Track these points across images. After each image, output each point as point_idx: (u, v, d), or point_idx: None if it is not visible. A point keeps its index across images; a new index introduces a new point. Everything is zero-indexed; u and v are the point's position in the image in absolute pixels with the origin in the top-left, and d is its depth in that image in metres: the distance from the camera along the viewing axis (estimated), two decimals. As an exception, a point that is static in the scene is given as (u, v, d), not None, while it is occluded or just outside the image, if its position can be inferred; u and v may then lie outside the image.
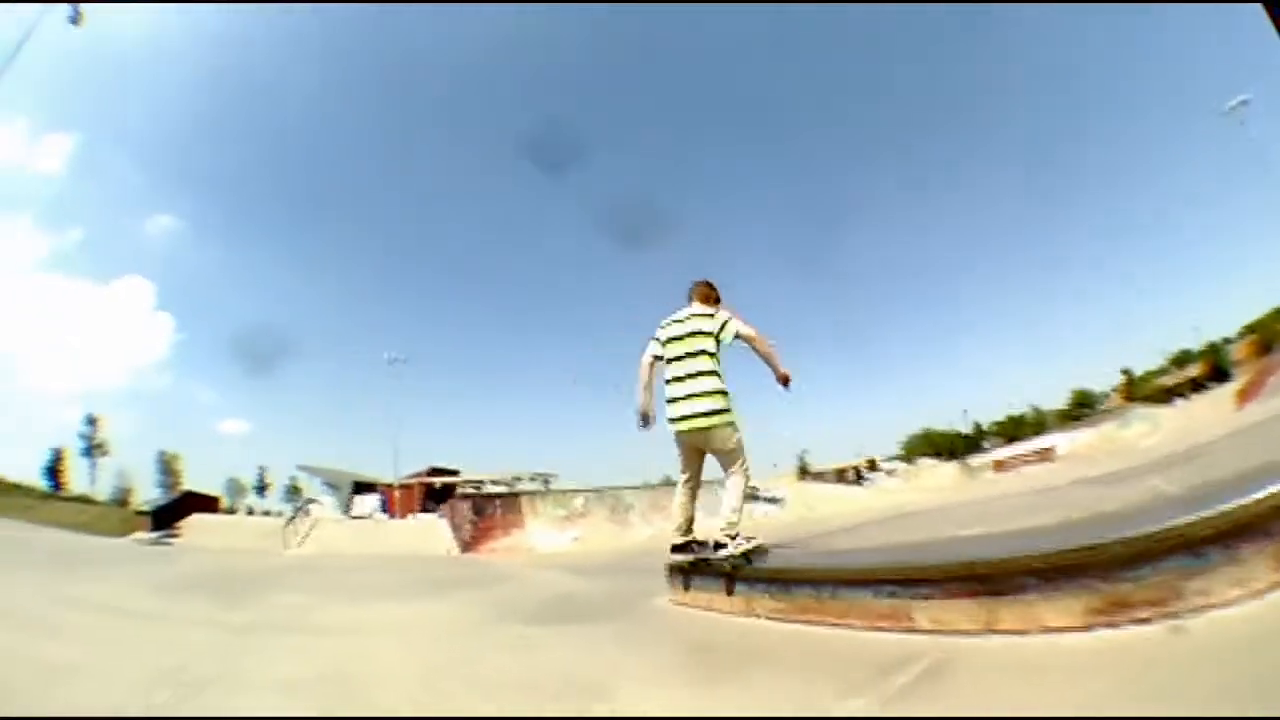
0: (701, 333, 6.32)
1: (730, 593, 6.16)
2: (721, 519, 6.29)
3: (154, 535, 28.15)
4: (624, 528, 23.86)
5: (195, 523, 31.14)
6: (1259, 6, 5.82)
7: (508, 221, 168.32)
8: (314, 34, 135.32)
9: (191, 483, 77.23)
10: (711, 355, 6.26)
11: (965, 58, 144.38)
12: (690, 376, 6.24)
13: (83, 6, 25.77)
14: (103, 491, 79.79)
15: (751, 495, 18.15)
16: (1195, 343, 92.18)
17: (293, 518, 28.45)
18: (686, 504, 6.71)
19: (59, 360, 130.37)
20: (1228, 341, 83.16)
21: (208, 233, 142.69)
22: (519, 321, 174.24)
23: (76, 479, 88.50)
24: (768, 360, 6.47)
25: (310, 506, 41.76)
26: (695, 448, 6.46)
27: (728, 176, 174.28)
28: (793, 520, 25.83)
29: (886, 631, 4.39)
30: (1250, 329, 76.77)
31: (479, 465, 61.56)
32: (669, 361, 6.41)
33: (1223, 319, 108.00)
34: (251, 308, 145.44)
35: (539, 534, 23.19)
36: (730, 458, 6.34)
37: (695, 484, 6.67)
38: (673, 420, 6.32)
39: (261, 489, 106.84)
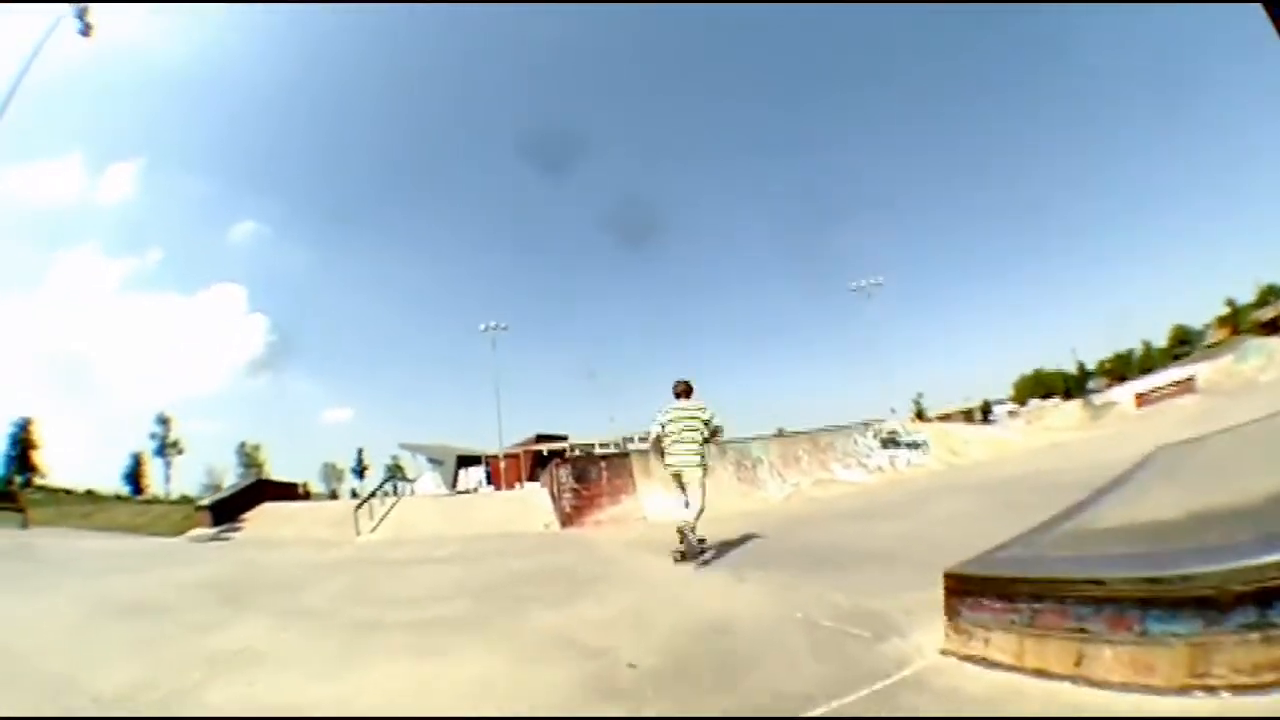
0: (696, 418, 9.88)
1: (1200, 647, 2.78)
2: (685, 524, 9.57)
3: (213, 531, 25.55)
4: (753, 486, 20.13)
5: (265, 513, 28.75)
6: (1259, 6, 5.57)
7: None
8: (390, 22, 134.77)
9: (286, 473, 77.33)
10: (699, 430, 9.85)
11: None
12: (683, 443, 9.84)
13: (92, 18, 24.98)
14: (190, 490, 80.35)
15: (891, 441, 23.08)
16: None
17: (365, 500, 25.34)
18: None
19: (156, 373, 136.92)
20: None
21: (292, 231, 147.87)
22: (622, 281, 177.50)
23: (160, 482, 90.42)
24: (714, 437, 10.20)
25: (399, 484, 40.40)
26: (678, 480, 9.98)
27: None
28: (941, 469, 22.42)
29: None
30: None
31: (589, 431, 63.31)
32: (671, 432, 9.92)
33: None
34: (343, 297, 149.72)
35: (653, 499, 19.11)
36: (696, 488, 9.79)
37: (685, 500, 9.92)
38: (670, 464, 10.01)
39: (360, 471, 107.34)
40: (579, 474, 20.51)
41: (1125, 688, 2.90)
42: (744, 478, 20.05)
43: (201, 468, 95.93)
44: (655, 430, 10.19)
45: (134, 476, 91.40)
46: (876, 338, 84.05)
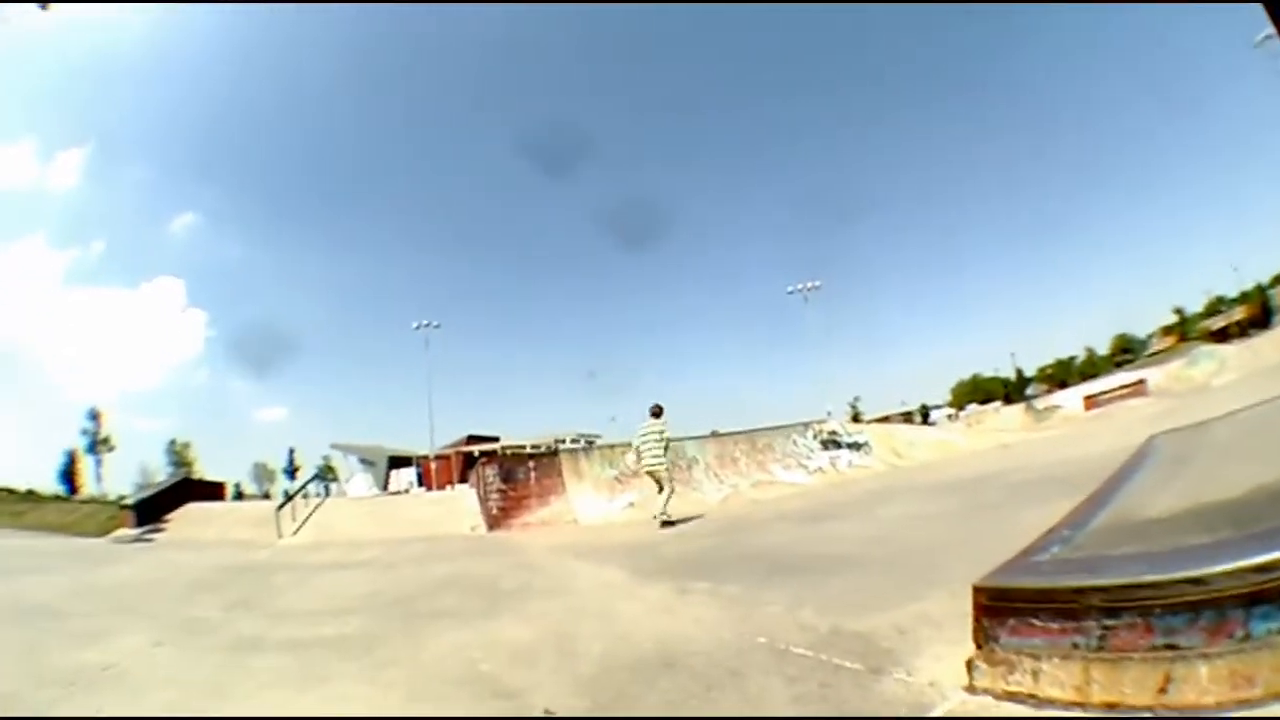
0: (658, 432, 14.11)
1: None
2: (659, 510, 13.66)
3: (137, 531, 24.27)
4: (687, 487, 18.93)
5: (189, 513, 27.51)
6: (1259, 6, 5.26)
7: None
8: (329, 20, 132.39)
9: (217, 472, 75.54)
10: (659, 441, 14.04)
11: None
12: (649, 448, 14.06)
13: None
14: (125, 489, 77.97)
15: (832, 442, 23.83)
16: (1234, 285, 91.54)
17: (287, 500, 24.35)
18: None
19: (96, 369, 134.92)
20: (1262, 288, 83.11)
21: (232, 224, 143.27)
22: (556, 283, 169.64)
23: (92, 480, 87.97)
24: (668, 446, 14.37)
25: (327, 485, 39.57)
26: (652, 476, 14.24)
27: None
28: (885, 470, 21.64)
29: None
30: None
31: (521, 431, 63.05)
32: (642, 442, 14.23)
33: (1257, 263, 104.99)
34: (281, 294, 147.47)
35: (584, 501, 18.56)
36: (663, 482, 13.97)
37: (659, 490, 14.08)
38: (644, 464, 14.29)
39: (292, 472, 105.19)
40: (506, 474, 19.62)
41: (1220, 708, 2.27)
42: (678, 478, 18.87)
43: (135, 466, 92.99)
44: (635, 442, 14.60)
45: (68, 475, 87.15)
46: (813, 341, 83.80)
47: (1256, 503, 3.39)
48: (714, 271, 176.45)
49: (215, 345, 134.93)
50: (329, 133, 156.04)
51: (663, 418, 14.43)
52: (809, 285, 68.12)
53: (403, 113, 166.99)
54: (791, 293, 68.99)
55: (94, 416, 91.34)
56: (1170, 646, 2.39)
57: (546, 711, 3.44)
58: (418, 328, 64.23)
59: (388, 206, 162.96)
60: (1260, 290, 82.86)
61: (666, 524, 13.16)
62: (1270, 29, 51.52)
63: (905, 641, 3.63)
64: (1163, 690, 2.34)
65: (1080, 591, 2.59)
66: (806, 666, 3.61)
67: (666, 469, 14.11)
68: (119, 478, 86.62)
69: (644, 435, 14.23)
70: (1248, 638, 2.30)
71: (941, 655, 3.24)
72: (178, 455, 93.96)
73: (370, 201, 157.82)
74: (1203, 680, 2.32)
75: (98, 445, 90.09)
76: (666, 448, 14.22)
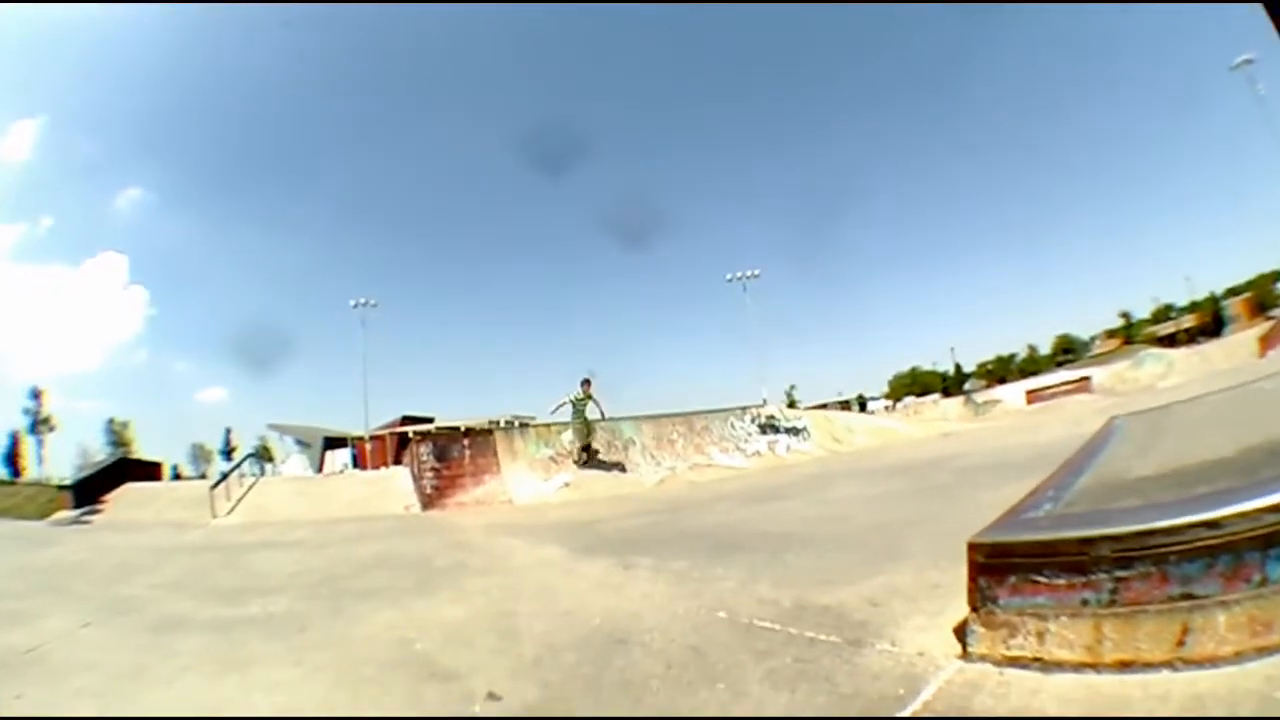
0: (587, 397, 18.64)
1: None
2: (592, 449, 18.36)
3: (75, 513, 23.73)
4: (625, 469, 19.17)
5: (126, 494, 26.65)
6: (1259, 6, 5.16)
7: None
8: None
9: (156, 453, 74.48)
10: (584, 405, 18.54)
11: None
12: (580, 411, 18.54)
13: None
14: (65, 471, 76.61)
15: (770, 426, 23.98)
16: (1185, 294, 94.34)
17: (221, 480, 23.75)
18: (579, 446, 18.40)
19: (40, 348, 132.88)
20: (1215, 298, 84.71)
21: (176, 200, 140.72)
22: (492, 267, 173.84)
23: (34, 461, 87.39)
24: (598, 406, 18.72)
25: (262, 465, 39.29)
26: (580, 432, 18.50)
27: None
28: (824, 455, 21.59)
29: None
30: (1234, 290, 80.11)
31: (456, 413, 61.63)
32: (576, 405, 18.56)
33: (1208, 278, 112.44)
34: (222, 272, 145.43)
35: (519, 480, 18.29)
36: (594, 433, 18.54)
37: (584, 441, 18.53)
38: (576, 422, 18.67)
39: (228, 453, 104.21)
40: (440, 452, 19.28)
41: (1239, 658, 2.23)
42: (615, 458, 19.28)
43: (75, 447, 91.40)
44: (565, 404, 18.62)
45: (11, 457, 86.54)
46: (751, 329, 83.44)
47: (1255, 460, 3.25)
48: (662, 259, 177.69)
49: (156, 324, 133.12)
50: (275, 110, 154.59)
51: (589, 389, 19.00)
52: (748, 274, 67.87)
53: (349, 94, 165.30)
54: (730, 281, 68.67)
55: (35, 396, 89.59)
56: (1187, 595, 2.31)
57: (492, 695, 3.15)
58: (355, 306, 63.29)
59: (329, 185, 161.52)
60: (1213, 299, 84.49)
61: (592, 458, 18.58)
62: (1251, 55, 54.41)
63: (880, 613, 3.41)
64: (1180, 643, 2.27)
65: (1089, 542, 2.43)
66: (776, 641, 3.36)
67: (590, 427, 18.78)
68: (60, 459, 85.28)
69: (575, 400, 18.69)
70: (1265, 582, 2.25)
71: (924, 626, 3.05)
72: (116, 435, 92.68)
73: (311, 180, 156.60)
74: (1221, 629, 2.26)
75: (39, 425, 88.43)
76: (575, 410, 18.67)
